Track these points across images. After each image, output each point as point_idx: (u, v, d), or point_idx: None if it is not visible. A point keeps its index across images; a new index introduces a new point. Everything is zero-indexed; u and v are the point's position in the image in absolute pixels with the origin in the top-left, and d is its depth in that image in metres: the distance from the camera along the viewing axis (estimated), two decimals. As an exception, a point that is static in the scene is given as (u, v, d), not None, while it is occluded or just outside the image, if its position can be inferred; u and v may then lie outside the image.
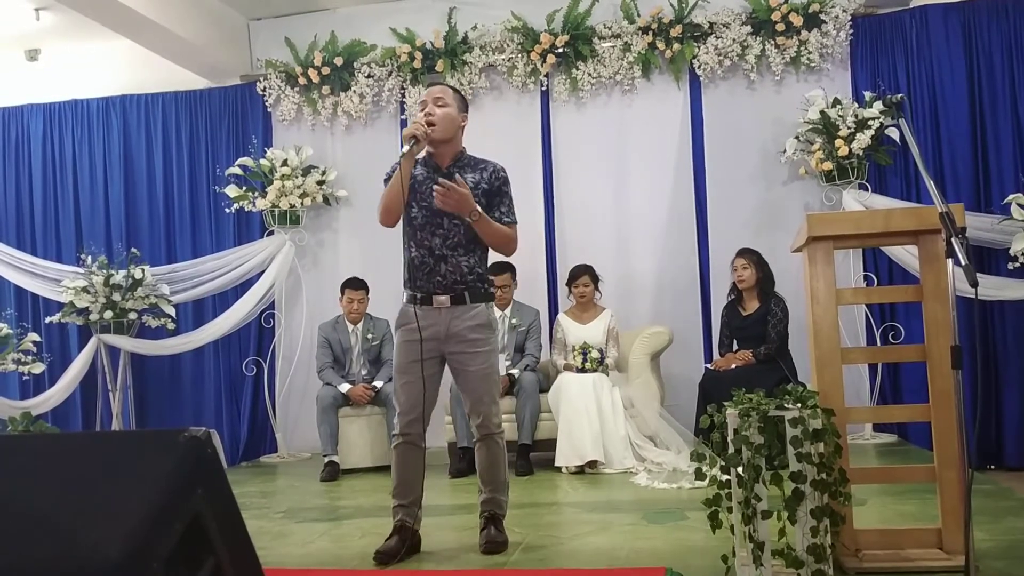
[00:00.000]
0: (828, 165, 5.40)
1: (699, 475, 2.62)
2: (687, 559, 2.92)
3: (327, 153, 6.35)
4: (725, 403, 2.59)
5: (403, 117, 6.21)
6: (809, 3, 5.62)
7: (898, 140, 5.29)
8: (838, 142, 5.33)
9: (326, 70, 6.20)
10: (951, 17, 5.52)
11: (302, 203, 6.07)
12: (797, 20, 5.60)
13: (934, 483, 2.75)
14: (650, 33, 5.82)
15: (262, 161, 6.10)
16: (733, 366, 4.98)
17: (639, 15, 5.85)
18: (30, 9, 5.83)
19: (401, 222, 3.21)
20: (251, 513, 4.15)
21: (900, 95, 2.76)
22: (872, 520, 3.36)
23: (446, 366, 3.24)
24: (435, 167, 3.22)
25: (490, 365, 3.19)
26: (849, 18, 5.65)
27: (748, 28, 5.74)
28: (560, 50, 5.91)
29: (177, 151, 6.55)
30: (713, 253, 5.78)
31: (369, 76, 6.21)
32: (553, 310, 5.89)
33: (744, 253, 5.14)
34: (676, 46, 5.79)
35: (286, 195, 6.01)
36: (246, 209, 6.21)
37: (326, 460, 5.25)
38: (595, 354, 5.10)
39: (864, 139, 5.28)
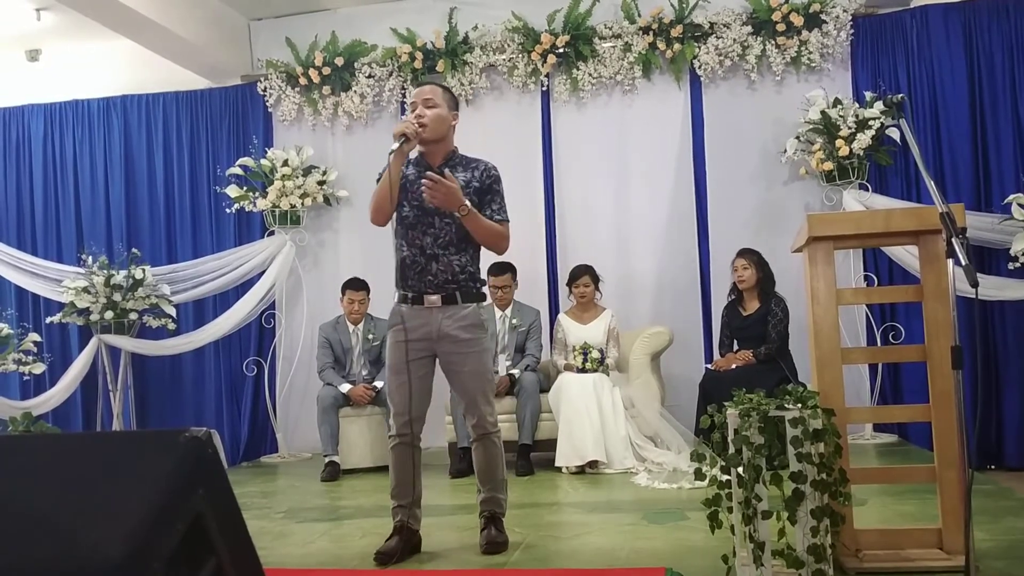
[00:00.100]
0: (828, 165, 5.40)
1: (699, 475, 2.62)
2: (687, 559, 2.92)
3: (328, 153, 6.36)
4: (725, 403, 2.59)
5: (403, 117, 6.20)
6: (810, 3, 5.62)
7: (898, 140, 5.29)
8: (838, 142, 5.33)
9: (327, 70, 6.20)
10: (952, 17, 5.52)
11: (303, 203, 6.07)
12: (798, 20, 5.60)
13: (934, 483, 2.76)
14: (651, 33, 5.82)
15: (263, 161, 6.10)
16: (733, 366, 4.98)
17: (639, 15, 5.85)
18: (31, 9, 5.83)
19: (392, 221, 3.20)
20: (252, 513, 4.16)
21: (901, 95, 2.76)
22: (872, 520, 3.36)
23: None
24: (427, 166, 3.21)
25: (482, 365, 3.19)
26: (850, 18, 5.65)
27: (749, 28, 5.74)
28: (561, 50, 5.91)
29: (178, 151, 6.55)
30: (713, 253, 5.78)
31: (370, 76, 6.21)
32: (554, 310, 5.89)
33: (744, 253, 5.14)
34: (677, 46, 5.79)
35: (287, 195, 6.01)
36: (247, 209, 6.21)
37: (326, 460, 5.25)
38: (595, 354, 5.10)
39: (864, 139, 5.28)
